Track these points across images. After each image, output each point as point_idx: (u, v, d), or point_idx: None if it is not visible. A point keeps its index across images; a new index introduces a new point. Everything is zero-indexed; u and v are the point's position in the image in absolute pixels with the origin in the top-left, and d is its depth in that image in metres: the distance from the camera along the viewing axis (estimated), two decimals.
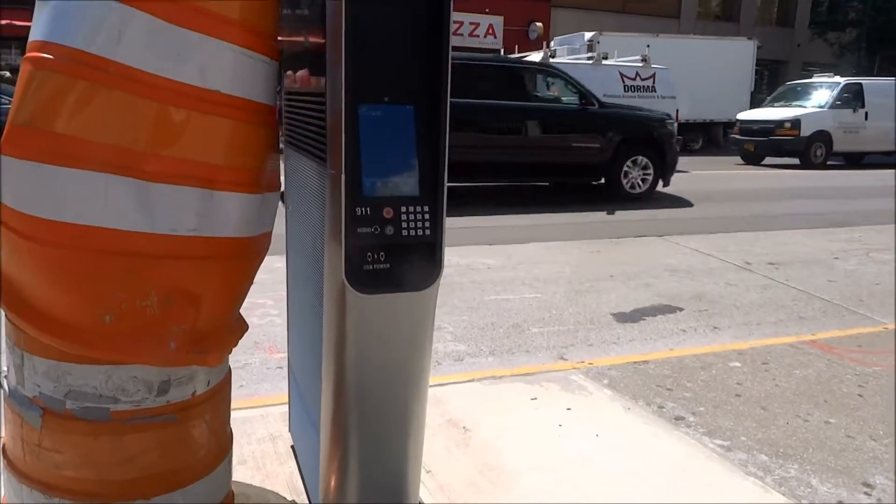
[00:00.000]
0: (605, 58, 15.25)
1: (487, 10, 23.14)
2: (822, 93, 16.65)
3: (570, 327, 4.35)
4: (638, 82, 14.77)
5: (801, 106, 16.47)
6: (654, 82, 14.81)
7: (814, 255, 6.48)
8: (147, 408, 1.44)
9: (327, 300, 1.70)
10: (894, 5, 26.52)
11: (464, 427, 2.69)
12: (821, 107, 16.19)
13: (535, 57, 14.94)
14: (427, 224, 1.65)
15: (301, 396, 2.26)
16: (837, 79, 16.90)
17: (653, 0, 26.77)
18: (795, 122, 15.72)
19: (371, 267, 1.62)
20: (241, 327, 1.68)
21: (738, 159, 17.19)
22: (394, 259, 1.64)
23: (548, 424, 2.75)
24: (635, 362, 3.56)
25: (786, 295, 5.17)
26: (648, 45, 17.13)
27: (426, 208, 1.65)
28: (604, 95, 13.73)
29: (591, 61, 14.61)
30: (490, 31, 23.15)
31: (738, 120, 17.06)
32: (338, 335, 1.71)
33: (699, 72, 17.74)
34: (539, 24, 23.88)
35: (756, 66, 19.96)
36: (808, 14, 29.95)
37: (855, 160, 17.49)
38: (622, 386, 3.21)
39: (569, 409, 2.89)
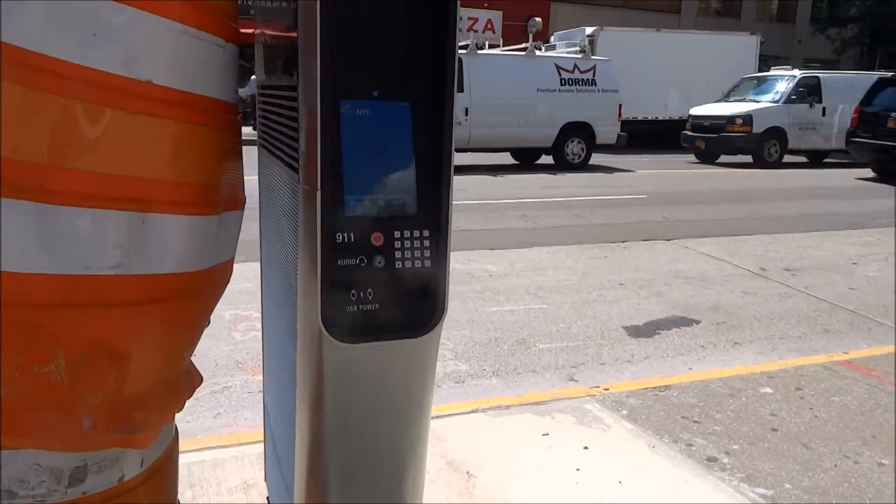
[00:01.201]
0: (540, 49, 14.48)
1: (486, 4, 22.74)
2: (777, 87, 15.30)
3: (580, 343, 4.01)
4: (576, 75, 13.57)
5: (754, 101, 15.25)
6: (594, 75, 13.63)
7: (831, 261, 6.15)
8: (55, 503, 1.09)
9: (301, 345, 1.35)
10: None
11: (467, 472, 2.34)
12: (774, 101, 14.97)
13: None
14: (427, 252, 1.30)
15: (275, 445, 1.91)
16: (795, 72, 15.61)
17: None
18: (747, 118, 14.55)
19: (356, 308, 1.27)
20: (190, 384, 1.33)
21: (692, 157, 15.64)
22: (385, 297, 1.28)
23: (563, 468, 2.40)
24: (656, 388, 3.22)
25: (807, 305, 4.84)
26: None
27: (426, 232, 1.30)
28: (538, 90, 13.10)
29: (524, 52, 13.86)
30: (489, 26, 22.75)
31: (690, 115, 15.75)
32: (314, 388, 1.36)
33: (701, 68, 17.32)
34: (538, 19, 23.36)
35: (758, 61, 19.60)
36: (809, 10, 29.61)
37: (817, 159, 16.22)
38: (643, 418, 2.86)
39: (586, 447, 2.55)
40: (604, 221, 7.90)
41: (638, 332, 4.24)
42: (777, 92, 15.23)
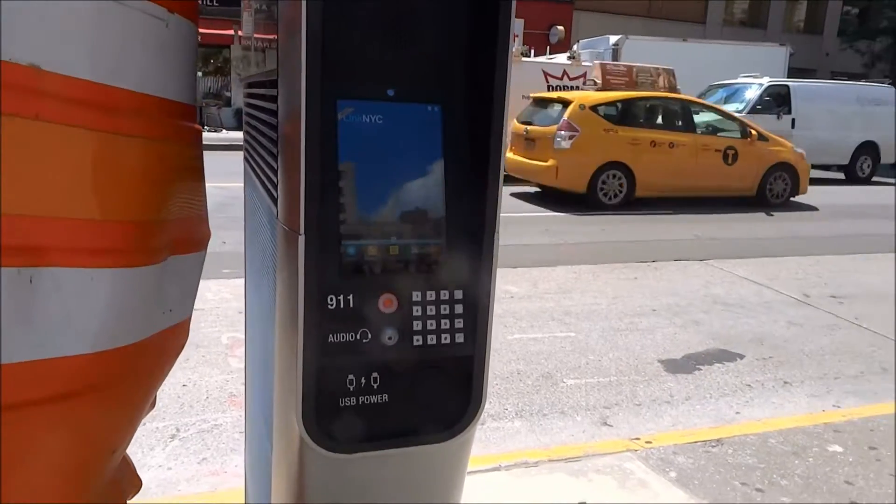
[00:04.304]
0: (526, 55, 13.85)
1: None
2: (743, 95, 13.96)
3: (612, 378, 3.60)
4: (565, 82, 12.80)
5: None
6: (583, 83, 12.64)
7: (882, 288, 5.67)
8: None
9: (277, 447, 0.96)
10: None
11: None
12: (738, 111, 13.22)
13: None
14: (460, 321, 0.91)
15: None
16: (764, 79, 14.19)
17: (678, 5, 25.93)
18: None
19: (354, 401, 0.88)
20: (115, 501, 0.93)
21: None
22: (397, 387, 0.89)
23: None
24: (706, 442, 2.79)
25: (860, 339, 4.39)
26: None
27: (459, 293, 0.91)
28: (522, 97, 11.69)
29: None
30: None
31: None
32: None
33: (728, 79, 16.78)
34: (560, 27, 23.08)
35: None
36: (838, 22, 28.97)
37: None
38: (696, 483, 2.44)
39: None
40: (630, 238, 7.47)
41: (676, 367, 3.82)
42: (743, 101, 13.95)
